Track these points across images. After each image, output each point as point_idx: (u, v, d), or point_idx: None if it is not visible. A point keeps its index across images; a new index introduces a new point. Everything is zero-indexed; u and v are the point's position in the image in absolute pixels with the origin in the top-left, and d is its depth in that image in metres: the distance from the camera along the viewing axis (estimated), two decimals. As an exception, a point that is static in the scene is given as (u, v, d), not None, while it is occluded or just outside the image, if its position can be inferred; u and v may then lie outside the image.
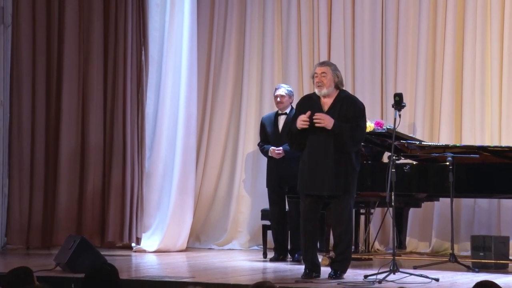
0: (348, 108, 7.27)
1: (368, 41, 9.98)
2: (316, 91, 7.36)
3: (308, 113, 7.21)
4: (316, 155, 7.20)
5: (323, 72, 7.30)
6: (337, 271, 7.21)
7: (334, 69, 7.39)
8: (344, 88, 7.53)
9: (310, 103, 7.39)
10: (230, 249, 10.16)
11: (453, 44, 9.57)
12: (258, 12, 10.45)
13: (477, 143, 9.13)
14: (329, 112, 7.23)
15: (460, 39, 9.57)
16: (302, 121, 7.22)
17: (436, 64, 9.71)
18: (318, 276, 7.19)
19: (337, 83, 7.36)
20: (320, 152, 7.19)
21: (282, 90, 9.02)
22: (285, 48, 10.33)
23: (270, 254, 9.00)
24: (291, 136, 7.45)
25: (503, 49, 9.36)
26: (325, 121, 7.13)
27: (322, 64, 7.52)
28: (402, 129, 8.76)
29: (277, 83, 9.73)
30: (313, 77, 7.41)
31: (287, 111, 8.95)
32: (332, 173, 7.16)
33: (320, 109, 7.28)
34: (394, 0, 9.86)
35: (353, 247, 8.36)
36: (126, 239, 9.93)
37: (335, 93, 7.35)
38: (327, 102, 7.32)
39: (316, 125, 7.15)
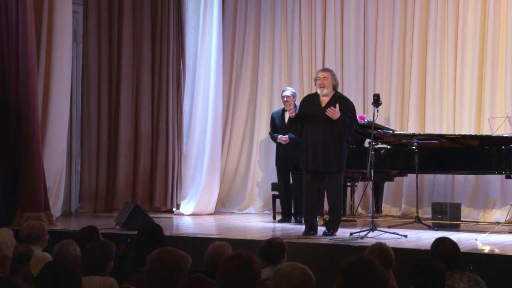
0: (341, 105, 7.12)
1: (353, 53, 9.95)
2: (319, 91, 7.25)
3: (293, 104, 7.36)
4: (316, 140, 7.12)
5: (325, 77, 7.23)
6: (330, 230, 7.18)
7: (333, 74, 7.33)
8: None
9: (311, 100, 7.33)
10: (247, 213, 10.17)
11: (418, 55, 9.53)
12: (269, 32, 10.44)
13: (437, 131, 9.09)
14: (326, 108, 7.12)
15: (424, 52, 9.53)
16: (289, 112, 7.28)
17: (405, 71, 9.67)
18: (315, 233, 7.17)
19: (335, 85, 7.30)
20: (319, 138, 7.12)
21: (288, 92, 8.98)
22: (290, 59, 10.30)
23: (278, 217, 8.99)
24: (289, 122, 7.50)
25: (457, 61, 9.32)
26: (335, 114, 7.03)
27: (324, 70, 7.46)
28: (379, 121, 8.72)
29: (283, 86, 9.72)
30: (315, 79, 7.32)
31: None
32: (328, 154, 7.11)
33: (319, 105, 7.19)
34: (373, 20, 9.83)
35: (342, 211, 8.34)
36: (169, 205, 9.98)
37: (332, 93, 7.26)
38: (325, 100, 7.21)
39: (328, 114, 7.02)
